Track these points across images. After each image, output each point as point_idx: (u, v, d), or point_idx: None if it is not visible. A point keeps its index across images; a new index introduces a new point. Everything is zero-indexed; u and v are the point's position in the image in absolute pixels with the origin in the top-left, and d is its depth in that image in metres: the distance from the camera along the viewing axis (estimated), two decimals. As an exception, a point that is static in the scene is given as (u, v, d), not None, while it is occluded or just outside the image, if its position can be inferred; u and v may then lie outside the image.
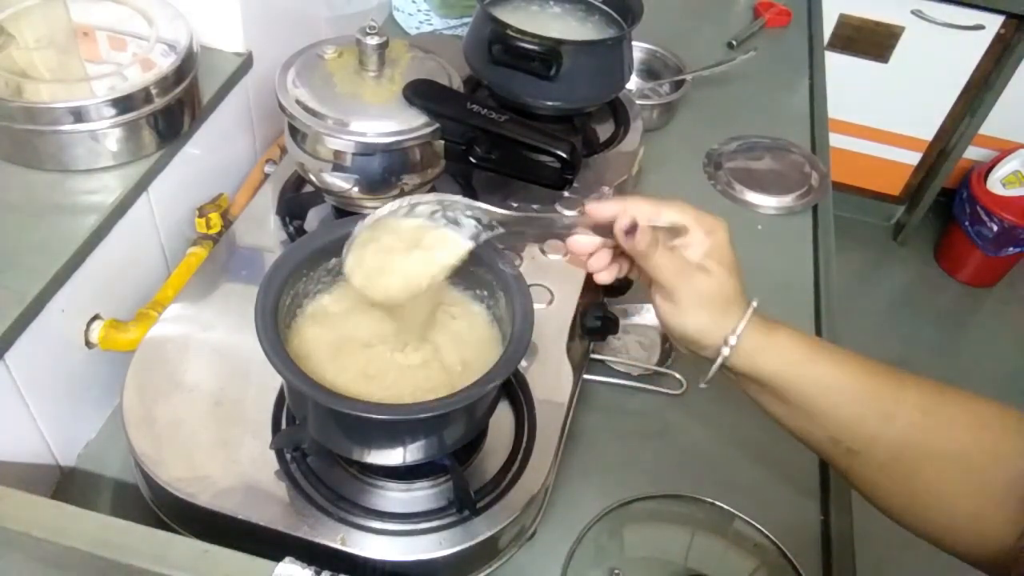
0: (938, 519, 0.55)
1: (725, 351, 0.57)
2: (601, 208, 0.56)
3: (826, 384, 0.55)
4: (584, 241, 0.59)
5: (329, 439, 0.63)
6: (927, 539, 0.56)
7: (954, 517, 0.54)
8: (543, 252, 0.85)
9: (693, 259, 0.57)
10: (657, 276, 0.57)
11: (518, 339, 0.59)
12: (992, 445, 0.53)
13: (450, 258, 0.61)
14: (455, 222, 0.61)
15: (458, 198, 0.60)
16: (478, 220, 0.60)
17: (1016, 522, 0.51)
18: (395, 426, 0.59)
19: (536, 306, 0.62)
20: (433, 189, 0.87)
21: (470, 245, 0.61)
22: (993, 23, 2.13)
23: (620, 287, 0.84)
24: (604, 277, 0.60)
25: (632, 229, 0.54)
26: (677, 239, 0.58)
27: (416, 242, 0.61)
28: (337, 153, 0.77)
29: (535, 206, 0.86)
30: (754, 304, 0.58)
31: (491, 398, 0.66)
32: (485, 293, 0.67)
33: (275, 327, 0.58)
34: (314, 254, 0.65)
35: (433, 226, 0.61)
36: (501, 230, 0.60)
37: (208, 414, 0.70)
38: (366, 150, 0.77)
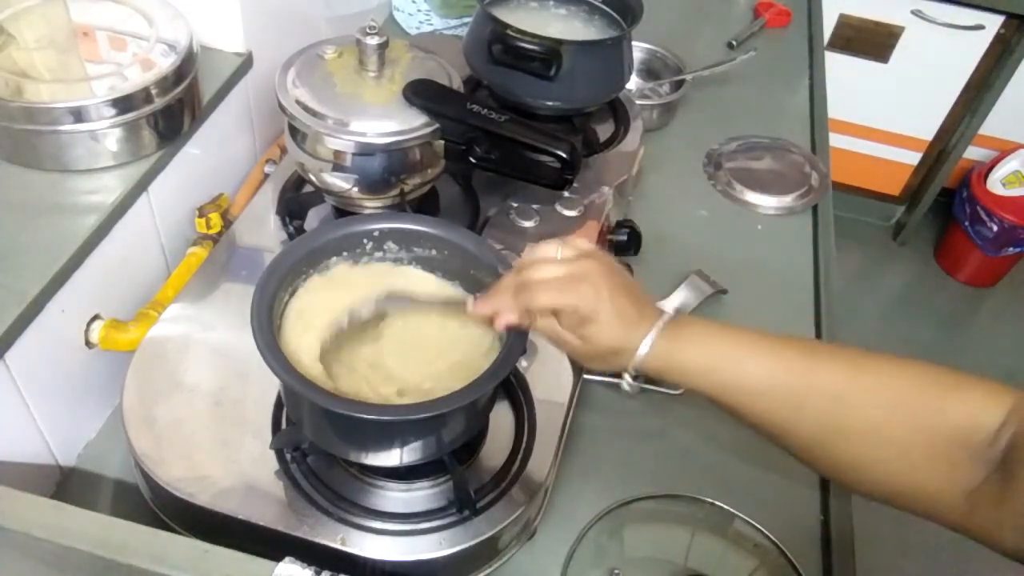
0: (872, 487, 0.56)
1: (626, 379, 0.60)
2: (480, 308, 0.61)
3: (733, 387, 0.58)
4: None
5: (324, 441, 0.63)
6: (879, 502, 0.56)
7: (888, 484, 0.55)
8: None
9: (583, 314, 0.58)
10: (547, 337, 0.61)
11: (515, 339, 0.59)
12: (909, 420, 0.53)
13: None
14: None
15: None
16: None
17: (954, 482, 0.51)
18: (392, 427, 0.59)
19: (536, 306, 0.62)
20: (433, 189, 0.87)
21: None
22: (993, 23, 2.13)
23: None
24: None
25: (511, 326, 0.60)
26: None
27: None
28: (337, 153, 0.77)
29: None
30: (655, 325, 0.58)
31: (488, 398, 0.66)
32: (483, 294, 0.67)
33: (271, 326, 0.58)
34: (312, 253, 0.65)
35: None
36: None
37: (208, 414, 0.70)
38: (366, 150, 0.77)
